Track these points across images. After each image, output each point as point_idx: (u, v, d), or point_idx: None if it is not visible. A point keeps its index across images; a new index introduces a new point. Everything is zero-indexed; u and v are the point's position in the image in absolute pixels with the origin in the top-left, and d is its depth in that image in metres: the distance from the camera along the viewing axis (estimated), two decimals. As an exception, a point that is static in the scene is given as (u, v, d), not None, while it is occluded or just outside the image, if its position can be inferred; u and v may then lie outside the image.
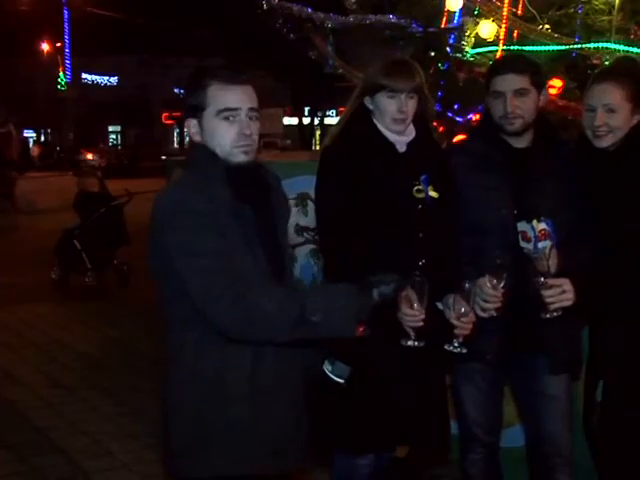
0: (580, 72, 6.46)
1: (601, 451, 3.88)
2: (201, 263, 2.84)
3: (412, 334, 3.44)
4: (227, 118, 3.00)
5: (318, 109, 50.35)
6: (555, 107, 6.14)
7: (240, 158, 3.02)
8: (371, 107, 3.82)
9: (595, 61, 6.44)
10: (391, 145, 3.81)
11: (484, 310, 3.59)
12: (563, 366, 3.87)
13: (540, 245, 3.60)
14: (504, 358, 3.83)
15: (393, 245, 3.62)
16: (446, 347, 3.56)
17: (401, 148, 3.82)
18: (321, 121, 51.72)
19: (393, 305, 3.18)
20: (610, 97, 3.63)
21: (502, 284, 3.53)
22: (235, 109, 3.00)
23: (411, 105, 3.75)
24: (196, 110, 3.02)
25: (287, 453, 3.12)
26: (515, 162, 3.82)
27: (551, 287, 3.52)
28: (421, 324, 3.41)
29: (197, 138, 3.05)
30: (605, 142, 3.67)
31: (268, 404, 3.04)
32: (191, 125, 3.06)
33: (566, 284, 3.53)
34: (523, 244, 3.66)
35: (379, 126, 3.81)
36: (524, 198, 3.75)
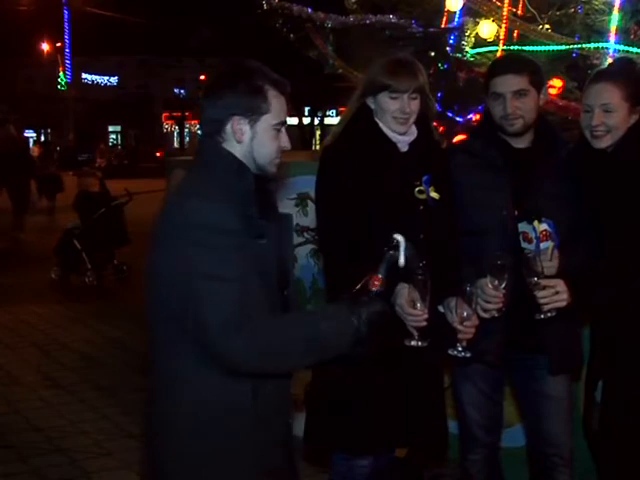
0: (580, 72, 6.45)
1: (601, 451, 3.87)
2: (222, 289, 2.68)
3: (415, 334, 3.42)
4: (278, 130, 2.92)
5: (318, 109, 50.31)
6: (555, 107, 6.13)
7: (273, 170, 2.96)
8: (373, 107, 3.81)
9: (595, 61, 6.43)
10: (393, 145, 3.79)
11: (485, 311, 3.58)
12: (563, 367, 3.88)
13: (542, 246, 3.60)
14: (505, 358, 3.83)
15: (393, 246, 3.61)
16: (450, 352, 3.54)
17: (403, 148, 3.80)
18: (321, 121, 51.68)
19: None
20: (607, 97, 3.61)
21: (504, 285, 3.52)
22: (284, 122, 2.95)
23: (414, 105, 3.73)
24: (252, 112, 2.86)
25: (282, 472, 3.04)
26: (516, 162, 3.81)
27: (544, 288, 3.51)
28: (424, 324, 3.40)
29: (243, 139, 2.88)
30: (603, 143, 3.65)
31: (269, 422, 2.92)
32: (241, 124, 2.87)
33: (560, 285, 3.52)
34: (524, 245, 3.65)
35: (381, 125, 3.78)
36: (525, 199, 3.74)
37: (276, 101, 2.90)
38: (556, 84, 6.84)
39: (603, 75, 3.75)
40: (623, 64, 4.11)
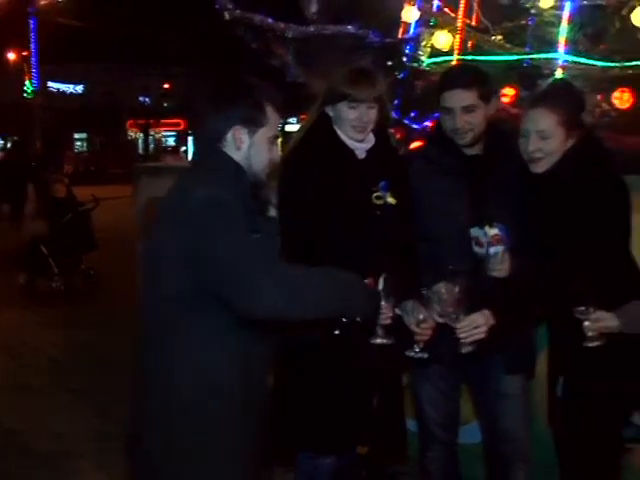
0: (532, 81, 6.53)
1: (563, 445, 3.87)
2: (247, 244, 2.84)
3: (380, 332, 3.42)
4: (272, 142, 3.15)
5: (280, 116, 50.25)
6: (508, 115, 6.20)
7: (264, 178, 3.15)
8: (332, 114, 3.83)
9: (546, 71, 6.51)
10: (351, 152, 3.81)
11: (441, 315, 3.56)
12: (518, 365, 3.91)
13: (492, 250, 3.61)
14: (461, 359, 3.83)
15: (352, 250, 3.61)
16: (407, 353, 3.57)
17: (360, 155, 3.82)
18: (282, 128, 51.66)
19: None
20: (543, 123, 3.58)
21: (457, 289, 3.50)
22: (277, 136, 3.20)
23: (372, 114, 3.75)
24: (252, 124, 3.07)
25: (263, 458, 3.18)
26: (472, 170, 3.82)
27: (462, 327, 3.51)
28: (389, 322, 3.39)
29: (242, 147, 3.07)
30: (540, 167, 3.62)
31: (257, 405, 3.08)
32: (242, 133, 3.06)
33: (479, 318, 3.51)
34: (476, 249, 3.67)
35: (339, 133, 3.81)
36: (480, 205, 3.74)
37: (272, 116, 3.13)
38: (509, 93, 6.94)
39: (540, 100, 3.70)
40: (560, 88, 4.06)
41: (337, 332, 3.44)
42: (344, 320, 3.19)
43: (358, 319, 3.16)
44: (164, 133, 57.69)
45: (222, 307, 2.86)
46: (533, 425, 4.07)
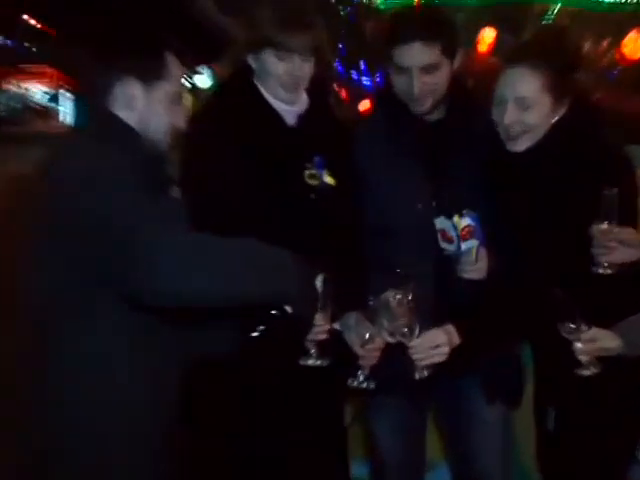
0: (515, 25, 6.57)
1: None
2: (141, 212, 2.80)
3: (313, 351, 3.38)
4: (174, 101, 3.16)
5: (184, 67, 50.00)
6: (483, 68, 6.23)
7: (165, 147, 3.18)
8: (254, 66, 3.79)
9: (534, 11, 6.55)
10: (278, 116, 3.80)
11: (391, 334, 3.51)
12: (498, 393, 3.93)
13: (464, 246, 3.59)
14: (417, 387, 3.68)
15: (279, 243, 3.56)
16: (349, 383, 3.55)
17: (290, 120, 3.82)
18: (191, 83, 51.39)
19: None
20: (525, 88, 3.55)
21: (410, 298, 3.42)
22: (181, 95, 3.21)
23: (306, 69, 3.73)
24: (146, 76, 3.08)
25: None
26: (430, 142, 3.81)
27: (416, 345, 3.48)
28: (324, 337, 3.36)
29: (135, 105, 3.09)
30: (519, 145, 3.61)
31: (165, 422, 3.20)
32: (134, 89, 3.09)
33: (440, 336, 3.50)
34: (444, 245, 3.65)
35: (263, 91, 3.79)
36: (443, 186, 3.75)
37: (174, 67, 3.16)
38: (487, 37, 6.95)
39: (520, 56, 3.65)
40: (548, 39, 3.97)
41: (256, 333, 3.29)
42: (271, 313, 3.15)
43: (288, 309, 3.11)
44: (30, 87, 56.97)
45: (124, 310, 2.91)
46: (514, 462, 4.14)
